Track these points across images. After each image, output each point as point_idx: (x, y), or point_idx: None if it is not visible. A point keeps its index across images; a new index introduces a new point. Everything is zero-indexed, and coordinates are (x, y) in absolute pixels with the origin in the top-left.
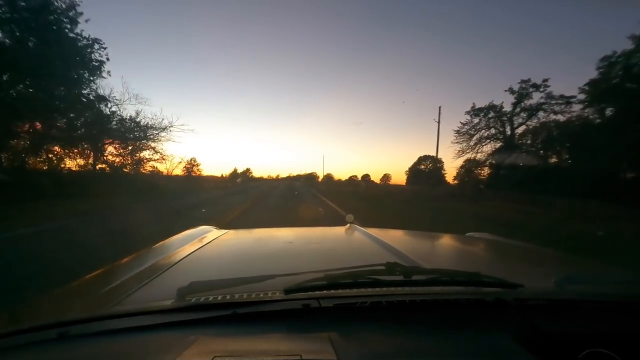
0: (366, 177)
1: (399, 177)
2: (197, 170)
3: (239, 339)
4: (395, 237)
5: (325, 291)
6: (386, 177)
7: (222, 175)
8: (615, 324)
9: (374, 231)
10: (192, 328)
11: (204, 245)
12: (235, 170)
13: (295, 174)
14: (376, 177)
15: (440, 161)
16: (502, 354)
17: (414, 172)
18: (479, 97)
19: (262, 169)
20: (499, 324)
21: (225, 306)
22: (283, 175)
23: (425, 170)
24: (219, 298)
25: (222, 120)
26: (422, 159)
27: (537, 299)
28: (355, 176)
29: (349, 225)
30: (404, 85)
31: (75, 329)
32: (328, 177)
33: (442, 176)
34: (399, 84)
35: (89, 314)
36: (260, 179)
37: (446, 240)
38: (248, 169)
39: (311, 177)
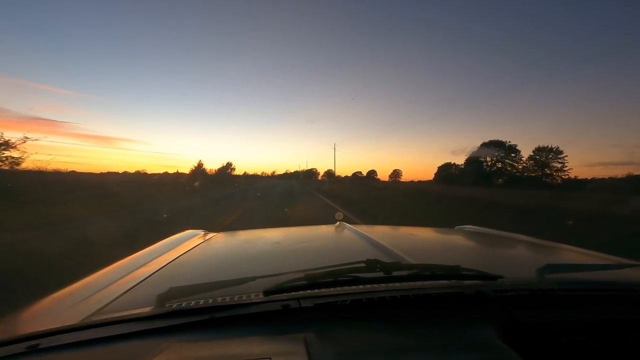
0: (372, 173)
1: (410, 174)
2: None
3: (213, 343)
4: (383, 233)
5: (305, 291)
6: (396, 174)
7: (177, 171)
8: (594, 311)
9: (362, 228)
10: (170, 335)
11: (190, 250)
12: (199, 165)
13: (292, 170)
14: (383, 174)
15: (515, 149)
16: (480, 347)
17: (474, 164)
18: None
19: (257, 166)
20: (479, 317)
21: (203, 311)
22: (280, 171)
23: (492, 163)
24: (200, 303)
25: (214, 114)
26: (487, 146)
27: (516, 289)
28: (360, 172)
29: (338, 223)
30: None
31: (46, 341)
32: (329, 174)
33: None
34: (396, 78)
35: (61, 325)
36: (255, 177)
37: (434, 235)
38: (229, 164)
39: (310, 173)
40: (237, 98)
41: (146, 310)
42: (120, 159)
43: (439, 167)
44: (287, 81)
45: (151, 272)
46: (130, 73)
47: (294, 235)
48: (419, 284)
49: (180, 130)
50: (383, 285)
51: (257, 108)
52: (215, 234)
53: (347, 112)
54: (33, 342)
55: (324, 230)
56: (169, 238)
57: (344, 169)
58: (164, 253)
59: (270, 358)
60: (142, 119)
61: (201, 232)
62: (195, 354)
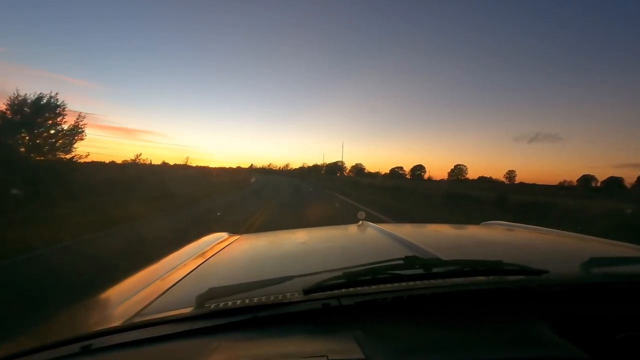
0: (418, 169)
1: (477, 171)
2: None
3: (261, 342)
4: (409, 231)
5: (344, 289)
6: (459, 171)
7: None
8: None
9: (387, 227)
10: (213, 335)
11: (218, 252)
12: None
13: (311, 164)
14: (436, 172)
15: None
16: (539, 343)
17: None
18: None
19: (273, 158)
20: (528, 313)
21: (245, 310)
22: (295, 165)
23: None
24: (238, 303)
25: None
26: None
27: (564, 284)
28: (401, 168)
29: (361, 222)
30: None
31: (98, 342)
32: (358, 169)
33: None
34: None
35: (110, 326)
36: (261, 171)
37: (462, 231)
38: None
39: (335, 168)
40: (257, 88)
41: (188, 310)
42: (141, 151)
43: None
44: (314, 69)
45: (183, 275)
46: (151, 65)
47: (319, 235)
48: (460, 280)
49: (198, 123)
50: (425, 282)
51: (279, 98)
52: (239, 236)
53: (383, 102)
54: (86, 343)
55: (348, 230)
56: (194, 242)
57: (379, 164)
58: (191, 256)
59: (327, 356)
60: (162, 111)
61: (226, 235)
62: (248, 352)
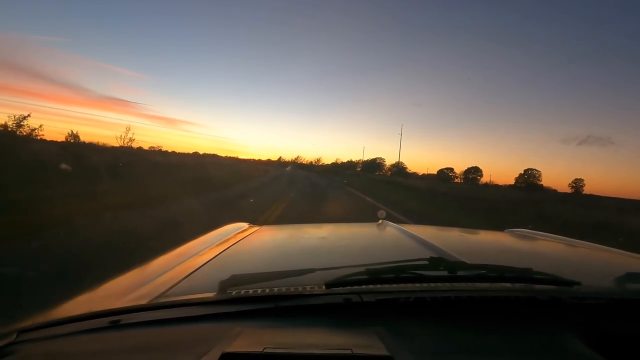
0: (473, 172)
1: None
2: None
3: (283, 331)
4: (430, 233)
5: (367, 286)
6: (530, 176)
7: None
8: None
9: (407, 227)
10: (235, 320)
11: (239, 241)
12: None
13: (346, 160)
14: (497, 177)
15: None
16: (570, 355)
17: None
18: None
19: (304, 151)
20: (557, 324)
21: (267, 299)
22: (328, 160)
23: None
24: (259, 291)
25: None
26: None
27: (597, 297)
28: (451, 170)
29: (381, 221)
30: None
31: (126, 318)
32: (398, 169)
33: None
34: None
35: (138, 304)
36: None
37: (485, 236)
38: None
39: (374, 165)
40: (293, 79)
41: (211, 295)
42: (183, 140)
43: None
44: (356, 58)
45: (204, 262)
46: (194, 59)
47: (338, 231)
48: (486, 285)
49: (236, 116)
50: (448, 284)
51: (317, 89)
52: (259, 227)
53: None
54: (115, 318)
55: (368, 228)
56: (215, 230)
57: (427, 164)
58: (212, 244)
59: (351, 350)
60: (202, 103)
61: (246, 225)
62: (271, 340)
